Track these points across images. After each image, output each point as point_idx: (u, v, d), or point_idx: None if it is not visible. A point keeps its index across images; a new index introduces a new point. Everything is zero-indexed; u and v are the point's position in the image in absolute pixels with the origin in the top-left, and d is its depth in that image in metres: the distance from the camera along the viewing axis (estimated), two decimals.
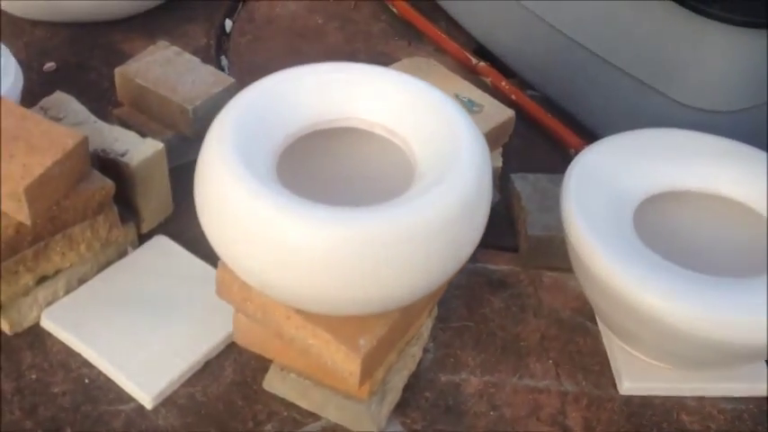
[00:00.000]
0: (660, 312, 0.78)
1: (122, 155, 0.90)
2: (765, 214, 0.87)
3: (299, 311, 0.75)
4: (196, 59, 1.09)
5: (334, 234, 0.66)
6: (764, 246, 0.86)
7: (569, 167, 0.89)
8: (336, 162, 0.82)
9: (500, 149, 1.11)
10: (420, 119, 0.77)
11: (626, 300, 0.79)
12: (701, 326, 0.77)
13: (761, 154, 0.92)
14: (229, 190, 0.68)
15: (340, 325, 0.74)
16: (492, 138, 1.08)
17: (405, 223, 0.67)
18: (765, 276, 0.80)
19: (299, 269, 0.67)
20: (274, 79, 0.78)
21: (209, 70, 1.07)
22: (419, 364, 0.89)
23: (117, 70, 1.06)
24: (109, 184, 0.86)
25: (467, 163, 0.71)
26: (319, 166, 0.82)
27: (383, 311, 0.74)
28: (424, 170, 0.73)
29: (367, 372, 0.75)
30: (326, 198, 0.72)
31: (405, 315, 0.78)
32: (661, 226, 0.89)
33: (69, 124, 0.93)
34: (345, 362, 0.74)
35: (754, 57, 0.98)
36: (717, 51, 0.99)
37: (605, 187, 0.87)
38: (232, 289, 0.79)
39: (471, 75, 1.28)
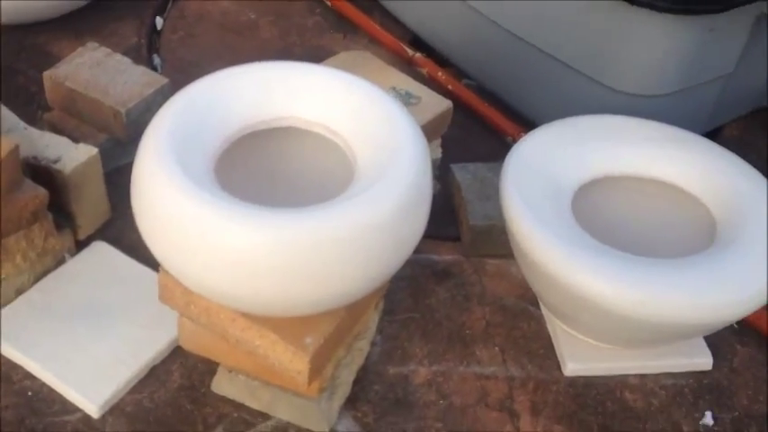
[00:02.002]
0: (598, 295, 0.79)
1: (55, 161, 0.88)
2: (698, 195, 0.90)
3: (244, 313, 0.75)
4: (127, 60, 1.07)
5: (275, 236, 0.66)
6: (698, 226, 0.88)
7: (507, 156, 0.90)
8: (277, 162, 0.82)
9: (439, 140, 1.12)
10: (359, 117, 0.77)
11: (564, 284, 0.80)
12: (638, 308, 0.78)
13: (691, 136, 0.94)
14: (167, 195, 0.67)
15: (286, 325, 0.74)
16: (430, 129, 1.09)
17: (345, 223, 0.67)
18: (700, 256, 0.82)
19: (240, 273, 0.67)
20: (210, 80, 0.77)
21: (140, 71, 1.05)
22: (367, 357, 0.90)
23: (45, 74, 1.03)
24: (42, 193, 0.84)
25: (407, 160, 0.72)
26: (259, 168, 0.81)
27: (329, 310, 0.74)
28: (363, 168, 0.73)
29: (315, 370, 0.75)
30: (267, 200, 0.72)
31: (351, 311, 0.78)
32: (599, 211, 0.91)
33: None
34: (293, 361, 0.74)
35: (682, 41, 1.01)
36: (645, 37, 1.01)
37: (543, 174, 0.89)
38: (175, 294, 0.78)
39: (408, 66, 1.29)
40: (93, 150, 0.90)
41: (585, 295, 0.80)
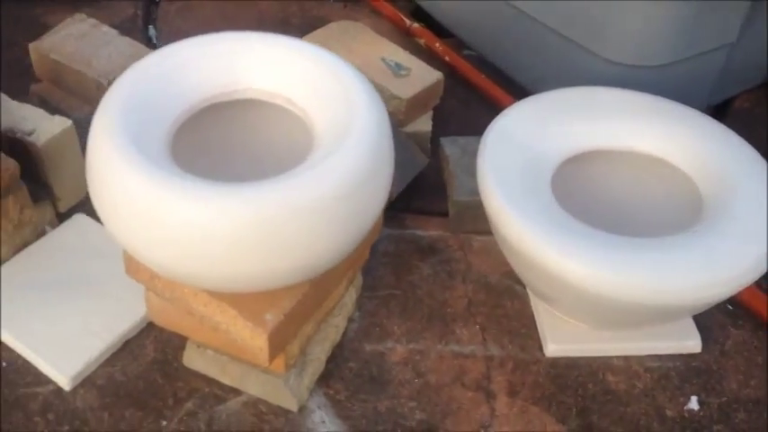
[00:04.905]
0: (572, 276, 0.76)
1: (29, 134, 0.88)
2: (685, 170, 0.86)
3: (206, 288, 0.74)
4: (114, 32, 1.06)
5: (226, 211, 0.64)
6: (685, 202, 0.85)
7: (485, 132, 0.87)
8: (237, 135, 0.80)
9: (430, 113, 1.09)
10: (318, 87, 0.74)
11: (539, 264, 0.78)
12: (613, 289, 0.75)
13: (682, 108, 0.90)
14: (119, 174, 0.66)
15: (247, 300, 0.73)
16: (420, 101, 1.06)
17: (299, 196, 0.65)
18: (682, 234, 0.78)
19: (194, 250, 0.66)
20: (167, 51, 0.75)
21: (126, 42, 1.04)
22: (344, 334, 0.88)
23: (31, 45, 1.03)
24: (12, 166, 0.84)
25: (362, 131, 0.69)
26: (220, 140, 0.80)
27: (290, 285, 0.72)
28: (321, 140, 0.71)
29: (277, 346, 0.74)
30: (226, 173, 0.70)
31: (316, 287, 0.76)
32: (582, 187, 0.88)
33: None
34: (253, 338, 0.73)
35: (677, 10, 0.96)
36: (639, 6, 0.97)
37: (522, 150, 0.85)
38: (139, 267, 0.77)
39: (407, 37, 1.26)
40: (68, 122, 0.90)
41: (560, 275, 0.77)
